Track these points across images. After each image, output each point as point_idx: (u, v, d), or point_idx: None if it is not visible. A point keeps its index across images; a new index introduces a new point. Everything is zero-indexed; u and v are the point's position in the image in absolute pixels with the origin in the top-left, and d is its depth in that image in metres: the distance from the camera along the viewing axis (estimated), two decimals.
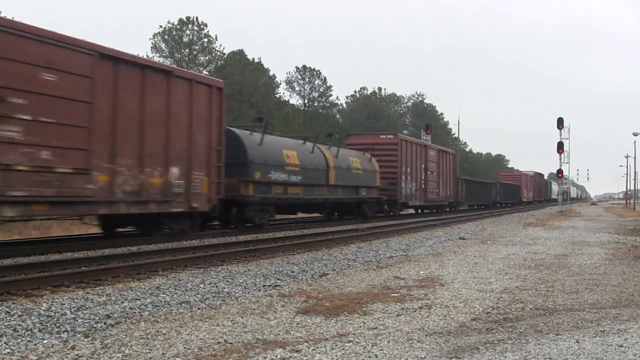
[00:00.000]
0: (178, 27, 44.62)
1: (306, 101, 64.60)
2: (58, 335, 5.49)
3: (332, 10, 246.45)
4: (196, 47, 45.01)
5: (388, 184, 27.56)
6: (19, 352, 4.94)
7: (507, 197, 58.22)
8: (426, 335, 5.60)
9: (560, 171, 43.15)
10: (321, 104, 64.63)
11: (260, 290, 8.12)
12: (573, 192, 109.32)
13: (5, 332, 5.47)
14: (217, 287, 8.21)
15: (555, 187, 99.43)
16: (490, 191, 51.34)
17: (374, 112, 71.32)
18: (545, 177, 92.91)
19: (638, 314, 6.63)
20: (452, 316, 6.51)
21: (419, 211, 35.05)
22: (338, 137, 26.86)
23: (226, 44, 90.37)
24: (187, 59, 44.42)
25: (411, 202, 30.03)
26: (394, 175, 28.01)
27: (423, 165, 31.15)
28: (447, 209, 37.78)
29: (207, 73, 45.04)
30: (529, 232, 20.55)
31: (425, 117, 77.88)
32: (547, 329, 5.84)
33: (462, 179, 42.31)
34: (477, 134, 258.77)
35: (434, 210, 36.01)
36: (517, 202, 62.73)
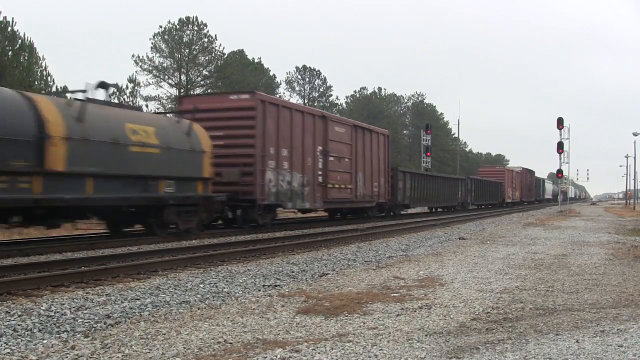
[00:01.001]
0: (178, 27, 44.62)
1: (306, 101, 64.61)
2: (58, 335, 5.49)
3: (332, 10, 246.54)
4: (196, 47, 45.00)
5: (239, 175, 17.44)
6: (19, 352, 4.94)
7: (483, 197, 47.70)
8: (426, 335, 5.60)
9: (560, 171, 43.11)
10: (321, 104, 64.64)
11: (260, 290, 8.12)
12: (571, 192, 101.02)
13: (5, 332, 5.47)
14: (217, 287, 8.22)
15: (549, 186, 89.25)
16: (456, 189, 40.92)
17: (374, 112, 71.33)
18: (539, 175, 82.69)
19: (638, 314, 6.63)
20: (452, 316, 6.51)
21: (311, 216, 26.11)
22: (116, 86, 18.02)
23: (226, 44, 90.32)
24: (187, 59, 44.42)
25: (291, 204, 19.78)
26: (249, 160, 17.56)
27: (320, 148, 21.11)
28: (378, 213, 27.70)
29: (207, 73, 45.08)
30: (528, 232, 20.55)
31: (425, 117, 77.91)
32: (547, 329, 5.84)
33: (405, 171, 31.97)
34: (477, 134, 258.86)
35: (350, 217, 25.85)
36: (498, 203, 52.51)
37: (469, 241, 16.43)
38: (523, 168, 67.52)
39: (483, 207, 49.46)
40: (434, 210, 39.18)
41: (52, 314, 6.23)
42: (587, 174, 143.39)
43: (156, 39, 44.55)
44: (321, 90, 65.98)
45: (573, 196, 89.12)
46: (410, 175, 32.00)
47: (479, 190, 46.42)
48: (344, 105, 74.00)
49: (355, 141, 23.96)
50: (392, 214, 29.33)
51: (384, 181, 26.93)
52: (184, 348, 5.14)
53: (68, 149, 11.96)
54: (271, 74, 60.35)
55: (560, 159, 41.48)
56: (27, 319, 5.94)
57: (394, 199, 28.72)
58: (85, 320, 6.03)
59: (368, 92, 78.16)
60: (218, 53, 45.89)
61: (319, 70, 65.66)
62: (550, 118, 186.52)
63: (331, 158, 21.83)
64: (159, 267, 9.87)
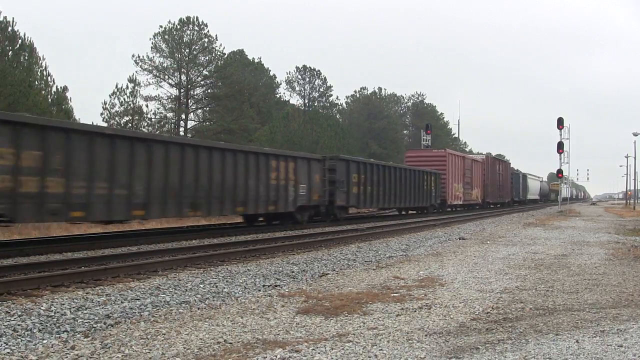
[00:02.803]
0: (178, 27, 44.58)
1: (306, 101, 64.60)
2: (58, 335, 5.49)
3: (332, 10, 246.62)
4: (196, 47, 44.95)
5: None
6: (19, 352, 4.94)
7: (393, 197, 28.11)
8: (426, 335, 5.60)
9: (560, 171, 43.13)
10: (321, 104, 64.62)
11: (260, 290, 8.12)
12: (566, 191, 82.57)
13: (5, 332, 5.47)
14: (217, 287, 8.21)
15: (534, 184, 73.06)
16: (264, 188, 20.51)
17: (374, 112, 71.29)
18: (519, 169, 67.10)
19: (638, 314, 6.63)
20: (452, 316, 6.51)
21: None
22: None
23: (226, 44, 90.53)
24: (187, 59, 44.40)
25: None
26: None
27: None
28: (308, 219, 21.50)
29: (207, 73, 45.02)
30: (528, 232, 20.55)
31: (425, 117, 77.81)
32: (547, 329, 5.84)
33: (350, 160, 24.31)
34: (477, 134, 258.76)
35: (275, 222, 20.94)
36: (430, 205, 33.57)
37: (469, 241, 16.43)
38: (489, 156, 52.33)
39: (385, 214, 33.60)
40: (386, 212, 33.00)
41: (52, 314, 6.23)
42: (587, 174, 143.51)
43: (156, 39, 44.53)
44: (321, 90, 65.90)
45: (570, 196, 72.71)
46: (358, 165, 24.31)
47: (380, 186, 26.56)
48: (344, 105, 74.00)
49: None
50: (333, 218, 23.44)
51: (318, 179, 21.75)
52: (184, 348, 5.14)
53: None
54: (271, 74, 60.34)
55: (560, 159, 41.50)
56: (27, 319, 5.94)
57: (335, 198, 22.42)
58: (85, 320, 6.03)
59: (368, 92, 78.07)
60: (218, 53, 45.85)
61: (319, 70, 65.59)
62: (551, 118, 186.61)
63: None
64: (159, 267, 9.87)
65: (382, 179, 26.56)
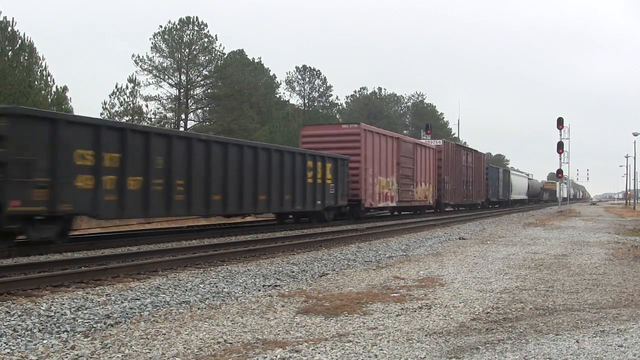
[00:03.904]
0: (178, 27, 44.58)
1: (306, 101, 64.62)
2: (58, 335, 5.49)
3: (332, 10, 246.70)
4: (196, 47, 44.95)
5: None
6: (19, 352, 4.93)
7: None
8: (426, 335, 5.60)
9: (560, 171, 43.13)
10: (321, 104, 64.63)
11: (260, 290, 8.12)
12: (564, 191, 76.70)
13: (5, 332, 5.47)
14: (217, 287, 8.21)
15: (519, 181, 62.28)
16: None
17: (374, 112, 71.30)
18: (517, 168, 63.28)
19: (638, 314, 6.63)
20: (452, 316, 6.51)
21: None
22: None
23: (226, 44, 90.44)
24: (187, 59, 44.40)
25: None
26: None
27: None
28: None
29: (207, 73, 45.01)
30: (528, 232, 20.55)
31: (425, 117, 77.84)
32: (547, 329, 5.84)
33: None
34: (477, 134, 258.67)
35: None
36: (324, 211, 21.86)
37: (469, 241, 16.43)
38: (449, 143, 37.85)
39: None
40: None
41: (52, 314, 6.23)
42: (587, 174, 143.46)
43: (156, 39, 44.53)
44: (321, 90, 65.91)
45: (567, 196, 62.81)
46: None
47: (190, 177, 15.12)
48: (344, 105, 74.01)
49: None
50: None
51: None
52: (184, 348, 5.14)
53: None
54: (271, 74, 60.34)
55: (560, 159, 41.49)
56: (27, 319, 5.94)
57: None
58: (85, 320, 6.03)
59: (368, 92, 78.14)
60: (218, 53, 45.85)
61: (319, 70, 65.61)
62: (551, 118, 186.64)
63: None
64: (159, 267, 9.87)
65: (188, 164, 14.89)
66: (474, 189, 41.70)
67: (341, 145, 23.82)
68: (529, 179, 72.62)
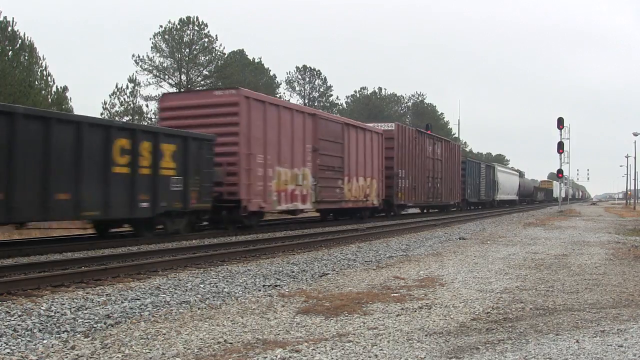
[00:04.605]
0: (178, 27, 44.62)
1: (306, 101, 64.60)
2: (58, 335, 5.49)
3: (332, 10, 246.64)
4: (196, 47, 44.99)
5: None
6: (19, 352, 4.93)
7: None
8: (426, 335, 5.60)
9: (560, 171, 43.14)
10: (321, 104, 64.62)
11: (260, 290, 8.11)
12: (556, 191, 73.55)
13: (5, 332, 5.47)
14: (217, 287, 8.21)
15: (508, 179, 54.61)
16: None
17: (374, 112, 71.28)
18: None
19: (638, 314, 6.63)
20: (452, 316, 6.51)
21: None
22: None
23: (226, 44, 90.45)
24: (187, 59, 44.42)
25: None
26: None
27: None
28: None
29: (207, 73, 45.03)
30: (529, 232, 20.54)
31: (426, 117, 77.78)
32: (547, 329, 5.83)
33: None
34: (477, 134, 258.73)
35: None
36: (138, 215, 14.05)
37: (469, 241, 16.43)
38: (406, 127, 30.08)
39: None
40: None
41: (52, 314, 6.23)
42: (588, 174, 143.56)
43: (156, 39, 44.57)
44: (321, 90, 65.95)
45: (565, 196, 59.38)
46: None
47: None
48: (344, 105, 74.01)
49: None
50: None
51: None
52: (184, 348, 5.14)
53: None
54: (271, 74, 60.34)
55: (560, 159, 41.50)
56: (27, 319, 5.94)
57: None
58: (85, 320, 6.03)
59: (368, 92, 78.14)
60: (218, 53, 45.90)
61: (319, 70, 65.66)
62: (551, 118, 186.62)
63: None
64: (159, 267, 9.87)
65: None
66: (444, 187, 34.35)
67: (216, 120, 16.96)
68: (520, 176, 65.55)
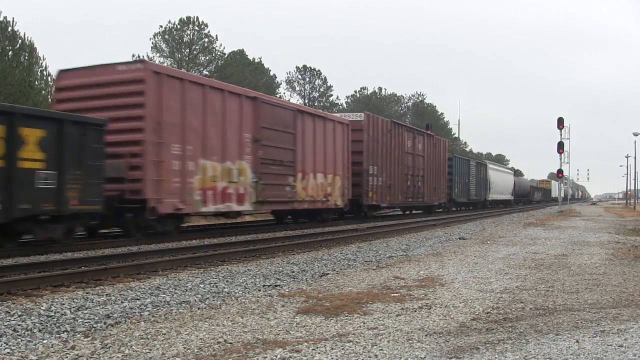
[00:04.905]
0: (178, 27, 44.62)
1: (307, 101, 64.56)
2: (58, 335, 5.49)
3: (332, 10, 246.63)
4: (196, 47, 45.00)
5: None
6: (19, 352, 4.93)
7: None
8: (426, 335, 5.60)
9: (560, 171, 43.16)
10: (321, 103, 64.58)
11: (260, 290, 8.11)
12: (555, 190, 69.99)
13: (5, 332, 5.47)
14: (217, 287, 8.21)
15: (501, 178, 51.65)
16: None
17: (374, 112, 71.29)
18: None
19: (638, 314, 6.63)
20: (452, 316, 6.51)
21: None
22: None
23: (226, 44, 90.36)
24: (187, 59, 44.42)
25: None
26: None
27: None
28: None
29: (207, 73, 45.01)
30: (529, 232, 20.55)
31: (426, 117, 77.75)
32: (547, 329, 5.83)
33: None
34: (477, 134, 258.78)
35: None
36: None
37: (469, 241, 16.43)
38: (382, 119, 26.56)
39: None
40: None
41: (52, 314, 6.23)
42: (588, 174, 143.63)
43: (156, 39, 44.57)
44: (321, 90, 65.92)
45: (564, 195, 56.66)
46: None
47: None
48: (344, 105, 74.00)
49: None
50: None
51: None
52: (184, 348, 5.14)
53: None
54: (271, 74, 60.29)
55: (560, 159, 41.51)
56: (27, 319, 5.94)
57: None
58: (85, 320, 6.03)
59: (368, 92, 78.12)
60: (218, 53, 45.91)
61: (319, 70, 65.61)
62: (551, 118, 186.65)
63: None
64: (159, 267, 9.87)
65: None
66: (427, 186, 30.98)
67: (119, 102, 14.05)
68: (515, 175, 62.26)
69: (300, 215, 22.18)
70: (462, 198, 38.80)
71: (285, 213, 21.61)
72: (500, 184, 50.95)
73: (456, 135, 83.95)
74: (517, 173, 67.90)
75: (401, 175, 27.70)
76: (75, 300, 6.97)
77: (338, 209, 22.88)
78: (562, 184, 54.83)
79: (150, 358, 4.85)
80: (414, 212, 32.79)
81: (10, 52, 29.48)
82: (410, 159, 28.93)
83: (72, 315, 6.20)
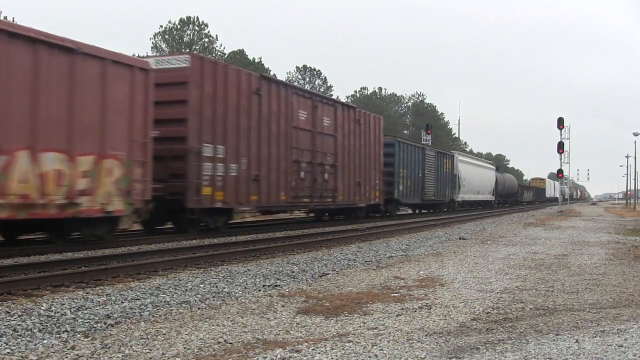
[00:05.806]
0: (179, 27, 44.68)
1: None
2: (58, 335, 5.49)
3: (332, 10, 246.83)
4: (197, 47, 45.00)
5: None
6: (19, 352, 4.93)
7: None
8: (426, 335, 5.60)
9: (560, 171, 43.16)
10: None
11: (260, 290, 8.12)
12: (550, 189, 65.51)
13: (5, 332, 5.47)
14: (217, 287, 8.21)
15: (478, 174, 42.75)
16: None
17: (374, 112, 71.34)
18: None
19: (638, 314, 6.63)
20: (452, 316, 6.51)
21: None
22: None
23: (226, 44, 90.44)
24: None
25: None
26: None
27: None
28: None
29: None
30: (529, 232, 20.55)
31: (426, 117, 77.80)
32: (547, 329, 5.84)
33: None
34: (477, 134, 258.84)
35: None
36: None
37: (469, 241, 16.43)
38: (243, 70, 17.11)
39: None
40: None
41: (52, 314, 6.23)
42: (588, 174, 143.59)
43: (156, 39, 44.62)
44: (321, 90, 65.94)
45: (562, 195, 51.75)
46: None
47: None
48: None
49: None
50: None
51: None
52: (184, 348, 5.14)
53: None
54: (272, 73, 60.35)
55: (560, 159, 41.50)
56: (27, 319, 5.94)
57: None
58: (85, 320, 6.03)
59: (368, 92, 78.16)
60: (218, 53, 45.90)
61: (319, 70, 65.69)
62: (551, 118, 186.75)
63: None
64: (159, 267, 9.87)
65: None
66: (343, 180, 21.99)
67: None
68: (498, 171, 52.16)
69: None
70: (410, 198, 29.35)
71: None
72: (475, 181, 41.30)
73: (456, 135, 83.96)
74: (501, 169, 58.22)
75: (286, 163, 18.49)
76: (75, 300, 6.97)
77: (113, 217, 12.66)
78: (563, 184, 54.62)
79: (150, 358, 4.85)
80: (324, 217, 24.14)
81: None
82: (306, 138, 19.61)
83: (72, 315, 6.20)
